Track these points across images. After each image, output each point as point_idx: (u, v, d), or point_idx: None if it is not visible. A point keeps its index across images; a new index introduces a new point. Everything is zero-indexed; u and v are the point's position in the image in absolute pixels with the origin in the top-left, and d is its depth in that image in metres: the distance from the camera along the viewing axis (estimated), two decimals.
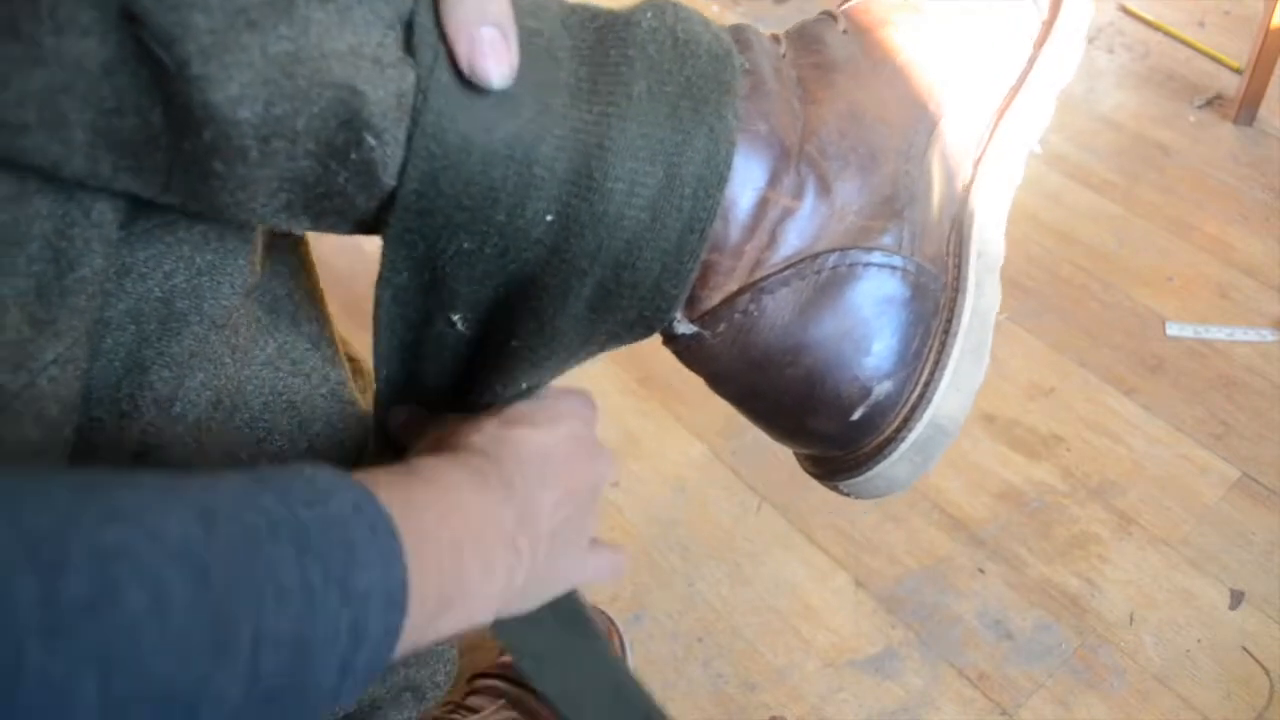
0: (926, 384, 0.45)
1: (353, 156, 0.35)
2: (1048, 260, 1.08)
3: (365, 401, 0.54)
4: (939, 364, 0.45)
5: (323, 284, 0.51)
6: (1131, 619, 0.80)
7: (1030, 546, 0.85)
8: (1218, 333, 0.99)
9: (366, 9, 0.34)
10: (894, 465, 0.45)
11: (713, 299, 0.42)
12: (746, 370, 0.44)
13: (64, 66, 0.31)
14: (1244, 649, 0.77)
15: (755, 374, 0.44)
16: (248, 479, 0.30)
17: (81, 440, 0.39)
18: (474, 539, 0.36)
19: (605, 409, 0.99)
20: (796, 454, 0.51)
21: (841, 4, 0.50)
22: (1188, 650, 0.78)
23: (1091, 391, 0.96)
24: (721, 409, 0.94)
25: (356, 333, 0.54)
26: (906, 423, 0.44)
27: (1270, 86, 1.19)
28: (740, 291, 0.42)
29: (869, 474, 0.46)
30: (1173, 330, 1.00)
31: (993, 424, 0.94)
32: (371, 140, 0.35)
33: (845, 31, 0.47)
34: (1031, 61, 0.48)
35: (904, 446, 0.45)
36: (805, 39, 0.47)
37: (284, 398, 0.47)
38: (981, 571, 0.84)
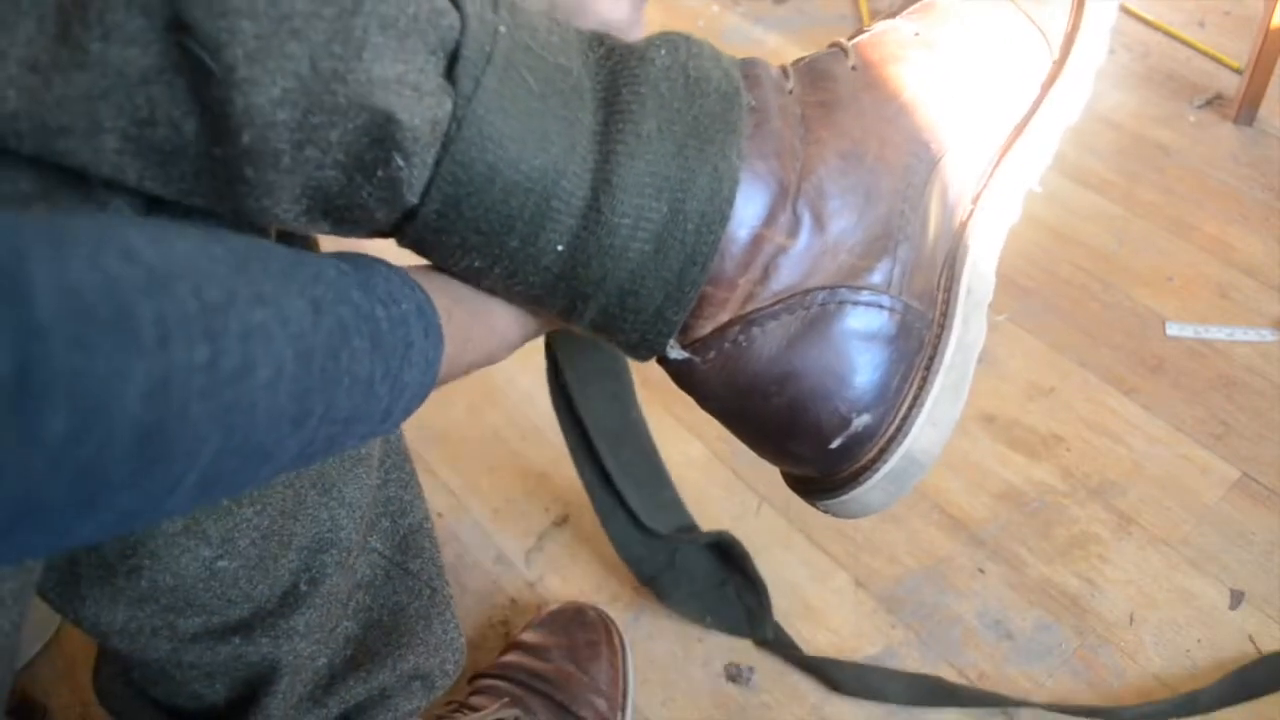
0: (904, 419, 0.46)
1: (379, 174, 0.37)
2: (1048, 260, 1.08)
3: None
4: (918, 400, 0.46)
5: None
6: (1131, 619, 0.80)
7: (1030, 546, 0.85)
8: (1218, 333, 0.99)
9: (418, 37, 0.35)
10: (868, 492, 0.47)
11: (705, 328, 0.44)
12: (732, 396, 0.46)
13: (106, 73, 0.32)
14: (1250, 638, 0.77)
15: (740, 400, 0.46)
16: (339, 268, 0.35)
17: None
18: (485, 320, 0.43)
19: None
20: (780, 470, 0.53)
21: (853, 35, 0.50)
22: (1188, 650, 0.78)
23: (1091, 391, 0.96)
24: None
25: None
26: (882, 454, 0.46)
27: (1270, 86, 1.19)
28: (731, 323, 0.44)
29: (844, 497, 0.48)
30: (1172, 330, 1.00)
31: (993, 424, 0.94)
32: (400, 161, 0.36)
33: (854, 68, 0.48)
34: (1038, 101, 0.50)
35: (878, 476, 0.47)
36: (814, 75, 0.48)
37: None
38: (981, 571, 0.84)
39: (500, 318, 0.45)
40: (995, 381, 0.96)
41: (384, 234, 0.41)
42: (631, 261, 0.41)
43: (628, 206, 0.40)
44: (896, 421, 0.46)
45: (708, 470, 0.92)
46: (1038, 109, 0.49)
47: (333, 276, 0.34)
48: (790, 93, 0.47)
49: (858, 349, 0.45)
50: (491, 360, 0.46)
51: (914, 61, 0.48)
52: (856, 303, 0.45)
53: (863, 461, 0.47)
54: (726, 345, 0.44)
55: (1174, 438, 0.91)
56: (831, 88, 0.47)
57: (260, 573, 0.52)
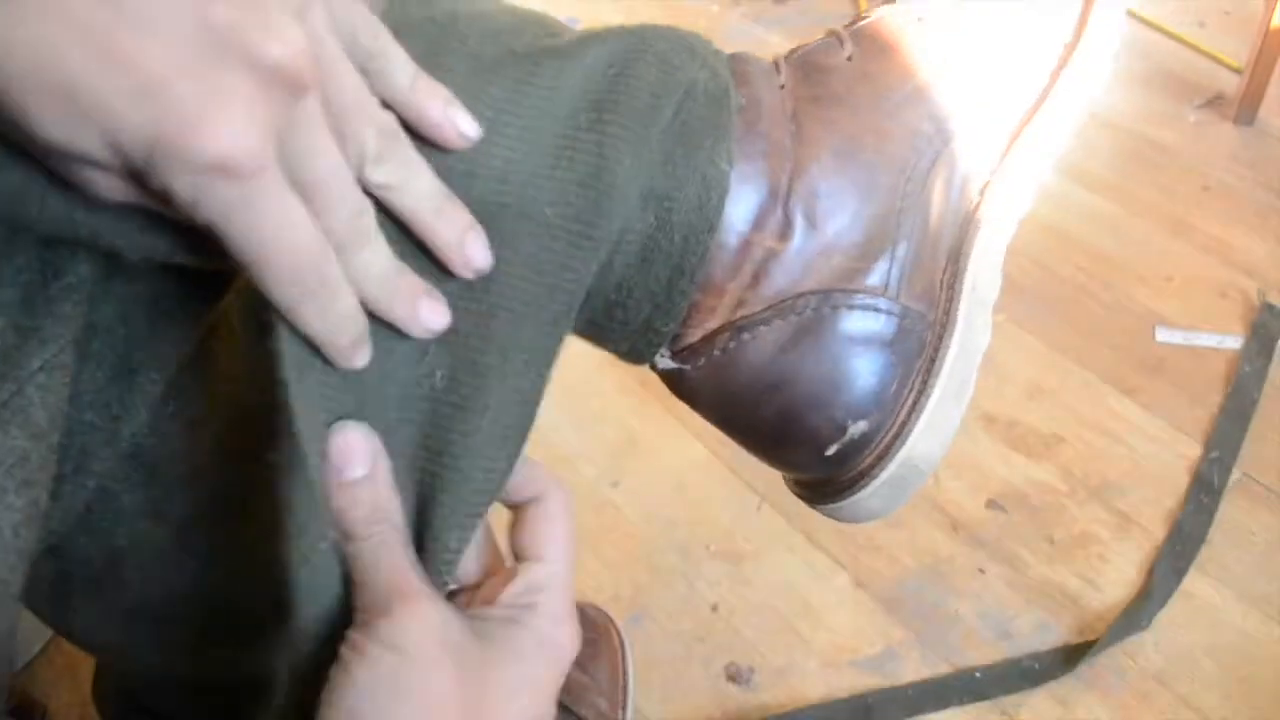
0: (903, 424, 0.45)
1: None
2: (1047, 260, 1.08)
3: None
4: (917, 405, 0.45)
5: None
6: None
7: (1030, 546, 0.85)
8: (1207, 339, 0.99)
9: None
10: (867, 499, 0.46)
11: (694, 335, 0.43)
12: (724, 404, 0.45)
13: None
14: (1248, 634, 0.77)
15: (733, 407, 0.45)
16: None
17: (73, 443, 0.39)
18: None
19: (605, 409, 0.99)
20: (781, 474, 0.52)
21: (852, 22, 0.48)
22: (1188, 650, 0.78)
23: (1091, 391, 0.96)
24: None
25: None
26: (880, 461, 0.45)
27: (1270, 86, 1.19)
28: (721, 329, 0.42)
29: (843, 503, 0.47)
30: (1161, 336, 1.00)
31: (993, 424, 0.94)
32: None
33: (850, 58, 0.46)
34: (1050, 86, 0.47)
35: (875, 483, 0.45)
36: (807, 68, 0.46)
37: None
38: (981, 571, 0.84)
39: None
40: (995, 381, 0.96)
41: None
42: (616, 274, 0.39)
43: (609, 223, 0.38)
44: (895, 428, 0.44)
45: (708, 470, 0.92)
46: (1050, 94, 0.47)
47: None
48: (782, 88, 0.45)
49: (852, 354, 0.43)
50: None
51: (915, 47, 0.46)
52: (851, 306, 0.43)
53: (861, 467, 0.45)
54: (716, 352, 0.43)
55: (1174, 438, 0.91)
56: (826, 81, 0.45)
57: (252, 584, 0.52)
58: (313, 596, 0.55)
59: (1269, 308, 1.00)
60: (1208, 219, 1.11)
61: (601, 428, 0.97)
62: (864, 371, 0.43)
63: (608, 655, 0.77)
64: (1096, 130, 1.23)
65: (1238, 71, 1.25)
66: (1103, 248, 1.09)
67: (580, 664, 0.76)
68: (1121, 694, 0.76)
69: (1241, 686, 0.76)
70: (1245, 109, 1.21)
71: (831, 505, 0.47)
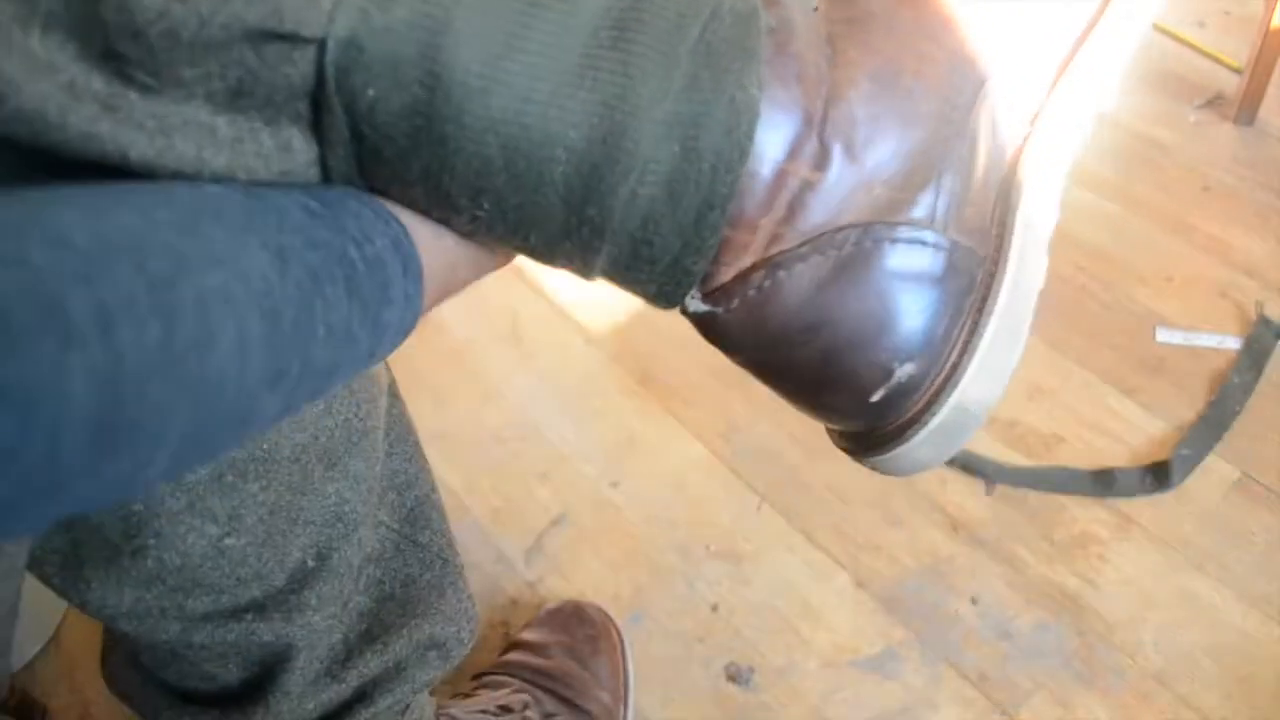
0: (954, 366, 0.42)
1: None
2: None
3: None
4: (969, 346, 0.42)
5: None
6: (1131, 619, 0.80)
7: (1030, 546, 0.85)
8: (1207, 339, 0.99)
9: None
10: (917, 448, 0.43)
11: (726, 274, 0.40)
12: (759, 347, 0.42)
13: None
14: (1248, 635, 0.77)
15: (769, 351, 0.42)
16: (306, 207, 0.32)
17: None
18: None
19: (605, 409, 0.99)
20: (825, 427, 0.48)
21: None
22: (1188, 650, 0.78)
23: (1091, 391, 0.96)
24: (722, 409, 0.94)
25: None
26: (930, 406, 0.42)
27: (1270, 86, 1.19)
28: (755, 267, 0.40)
29: (892, 453, 0.44)
30: (1161, 336, 1.00)
31: (993, 424, 0.94)
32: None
33: None
34: (1101, 11, 0.44)
35: (926, 430, 0.42)
36: None
37: None
38: (981, 572, 0.84)
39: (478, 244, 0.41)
40: None
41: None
42: (641, 208, 0.36)
43: (635, 148, 0.35)
44: (945, 370, 0.42)
45: (708, 470, 0.92)
46: (1100, 18, 0.44)
47: (299, 220, 0.31)
48: (816, 9, 0.42)
49: (898, 291, 0.40)
50: (482, 275, 0.42)
51: None
52: (895, 240, 0.40)
53: (910, 414, 0.42)
54: (750, 292, 0.40)
55: (1174, 438, 0.91)
56: (862, 2, 0.42)
57: (269, 549, 0.52)
58: (332, 569, 0.55)
59: (1265, 321, 0.99)
60: (1208, 219, 1.11)
61: (601, 428, 0.97)
62: (911, 310, 0.41)
63: (608, 651, 0.78)
64: (1097, 130, 1.23)
65: (1238, 71, 1.25)
66: (1103, 247, 1.09)
67: (581, 660, 0.76)
68: (1121, 694, 0.76)
69: (1241, 686, 0.76)
70: (1245, 109, 1.21)
71: (879, 456, 0.44)
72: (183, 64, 0.31)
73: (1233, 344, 0.98)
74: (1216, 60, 1.30)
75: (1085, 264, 1.07)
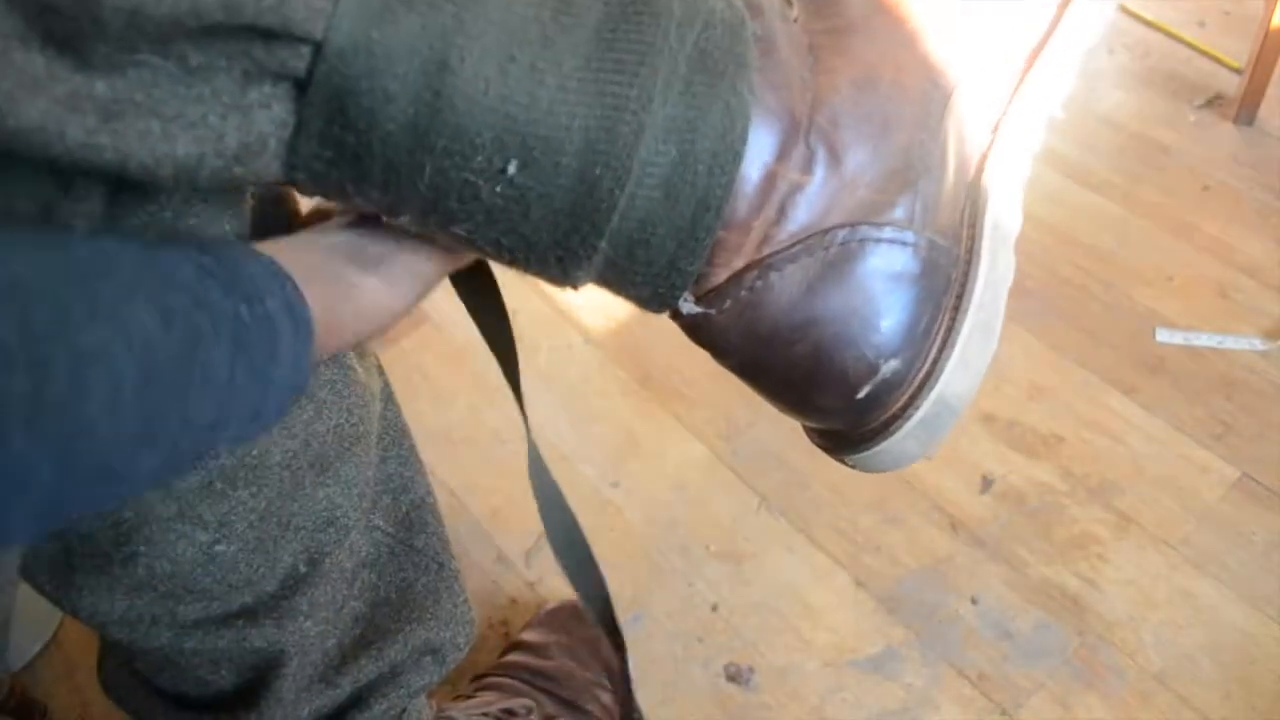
0: (935, 361, 0.43)
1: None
2: (1048, 260, 1.08)
3: (361, 368, 0.56)
4: (948, 341, 0.44)
5: None
6: (1131, 619, 0.80)
7: (1030, 546, 0.85)
8: (1207, 340, 0.99)
9: None
10: (900, 442, 0.44)
11: (719, 276, 0.41)
12: (751, 347, 0.43)
13: None
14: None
15: (760, 350, 0.43)
16: (200, 264, 0.33)
17: None
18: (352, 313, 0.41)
19: (605, 409, 0.99)
20: (803, 426, 0.50)
21: None
22: (1188, 650, 0.78)
23: (1091, 391, 0.96)
24: (721, 409, 0.94)
25: None
26: (913, 400, 0.43)
27: (1270, 86, 1.19)
28: (748, 268, 0.41)
29: (875, 449, 0.45)
30: (1162, 337, 1.00)
31: (993, 424, 0.94)
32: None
33: None
34: (1056, 20, 0.46)
35: (910, 424, 0.44)
36: (819, 1, 0.45)
37: None
38: (981, 572, 0.84)
39: (379, 291, 0.41)
40: (995, 381, 0.96)
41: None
42: (639, 210, 0.37)
43: (637, 151, 0.36)
44: (926, 365, 0.43)
45: (708, 470, 0.92)
46: (1057, 27, 0.46)
47: (190, 278, 0.32)
48: (795, 20, 0.44)
49: (883, 290, 0.42)
50: (381, 330, 0.43)
51: None
52: (879, 240, 0.42)
53: (893, 410, 0.44)
54: (743, 293, 0.41)
55: (1174, 438, 0.91)
56: (840, 12, 0.44)
57: (260, 555, 0.52)
58: (324, 574, 0.55)
59: None
60: (1208, 219, 1.11)
61: (601, 428, 0.97)
62: (894, 308, 0.42)
63: (608, 652, 0.78)
64: (1097, 130, 1.23)
65: (1238, 71, 1.25)
66: (1103, 248, 1.09)
67: (581, 660, 0.76)
68: (1121, 694, 0.76)
69: (1241, 686, 0.76)
70: (1245, 109, 1.21)
71: (863, 454, 0.45)
72: (187, 45, 0.31)
73: (1232, 344, 0.98)
74: (1216, 60, 1.30)
75: (1085, 264, 1.07)
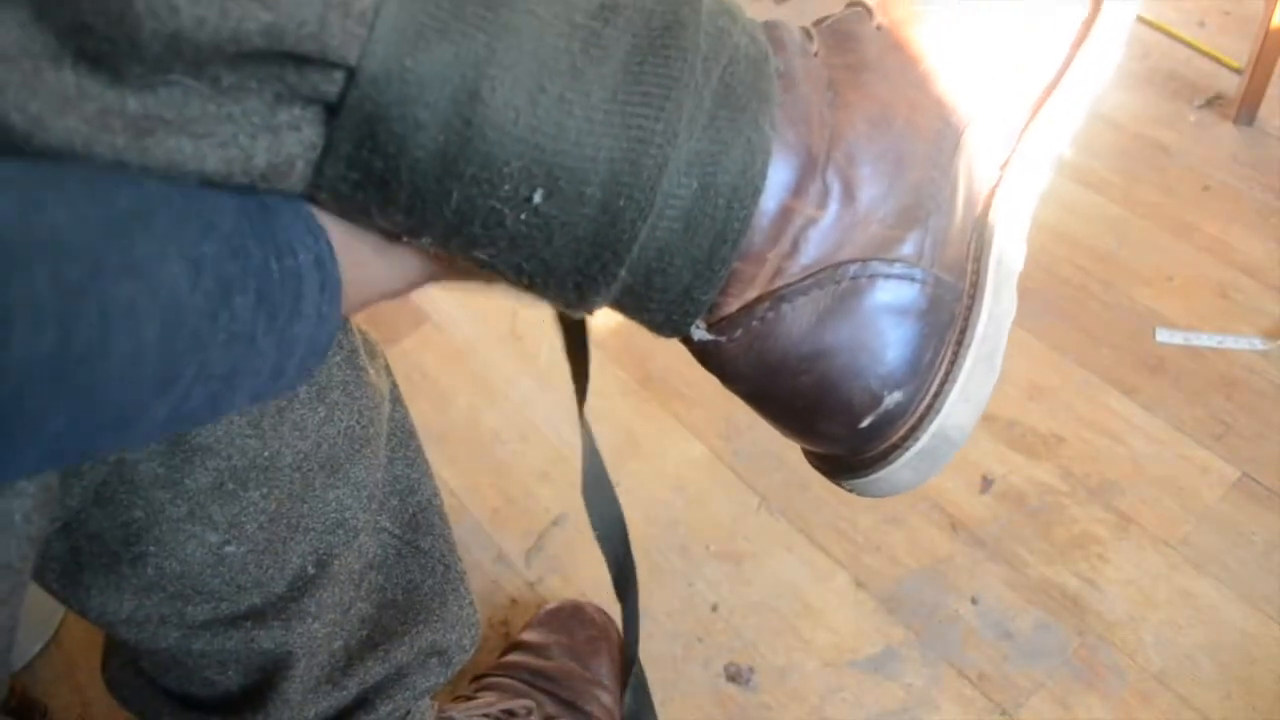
0: (936, 394, 0.45)
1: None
2: (1048, 260, 1.08)
3: (373, 370, 0.56)
4: (950, 375, 0.45)
5: None
6: (1131, 619, 0.80)
7: (1030, 546, 0.85)
8: (1207, 340, 0.99)
9: None
10: (898, 471, 0.46)
11: (731, 305, 0.42)
12: (760, 375, 0.44)
13: None
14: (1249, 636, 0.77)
15: (768, 379, 0.44)
16: (241, 211, 0.32)
17: None
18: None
19: (605, 409, 0.99)
20: (803, 449, 0.51)
21: None
22: (1188, 650, 0.78)
23: (1091, 391, 0.96)
24: (722, 409, 0.94)
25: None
26: (914, 431, 0.45)
27: (1270, 86, 1.19)
28: (760, 299, 0.42)
29: (873, 477, 0.46)
30: (1162, 337, 1.00)
31: (993, 424, 0.94)
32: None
33: (879, 27, 0.46)
34: (1067, 62, 0.48)
35: (909, 454, 0.45)
36: (839, 36, 0.46)
37: None
38: (981, 572, 0.84)
39: (409, 257, 0.41)
40: None
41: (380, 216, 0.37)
42: (659, 240, 0.38)
43: (661, 183, 0.37)
44: (928, 398, 0.45)
45: (708, 470, 0.92)
46: (1066, 70, 0.47)
47: (228, 228, 0.31)
48: (815, 55, 0.44)
49: (890, 324, 0.43)
50: (395, 295, 0.43)
51: (940, 19, 0.46)
52: (889, 275, 0.43)
53: (893, 440, 0.45)
54: (754, 323, 0.42)
55: (1174, 438, 0.91)
56: (857, 49, 0.45)
57: (269, 557, 0.52)
58: (332, 575, 0.56)
59: None
60: (1208, 219, 1.11)
61: (601, 428, 0.97)
62: (900, 341, 0.43)
63: (609, 652, 0.78)
64: (1097, 130, 1.23)
65: (1238, 71, 1.25)
66: (1103, 248, 1.09)
67: (582, 660, 0.76)
68: (1121, 694, 0.76)
69: (1241, 686, 0.76)
70: (1245, 109, 1.21)
71: (860, 480, 0.47)
72: (220, 65, 0.31)
73: (1232, 344, 0.98)
74: (1216, 60, 1.30)
75: (1085, 264, 1.07)
